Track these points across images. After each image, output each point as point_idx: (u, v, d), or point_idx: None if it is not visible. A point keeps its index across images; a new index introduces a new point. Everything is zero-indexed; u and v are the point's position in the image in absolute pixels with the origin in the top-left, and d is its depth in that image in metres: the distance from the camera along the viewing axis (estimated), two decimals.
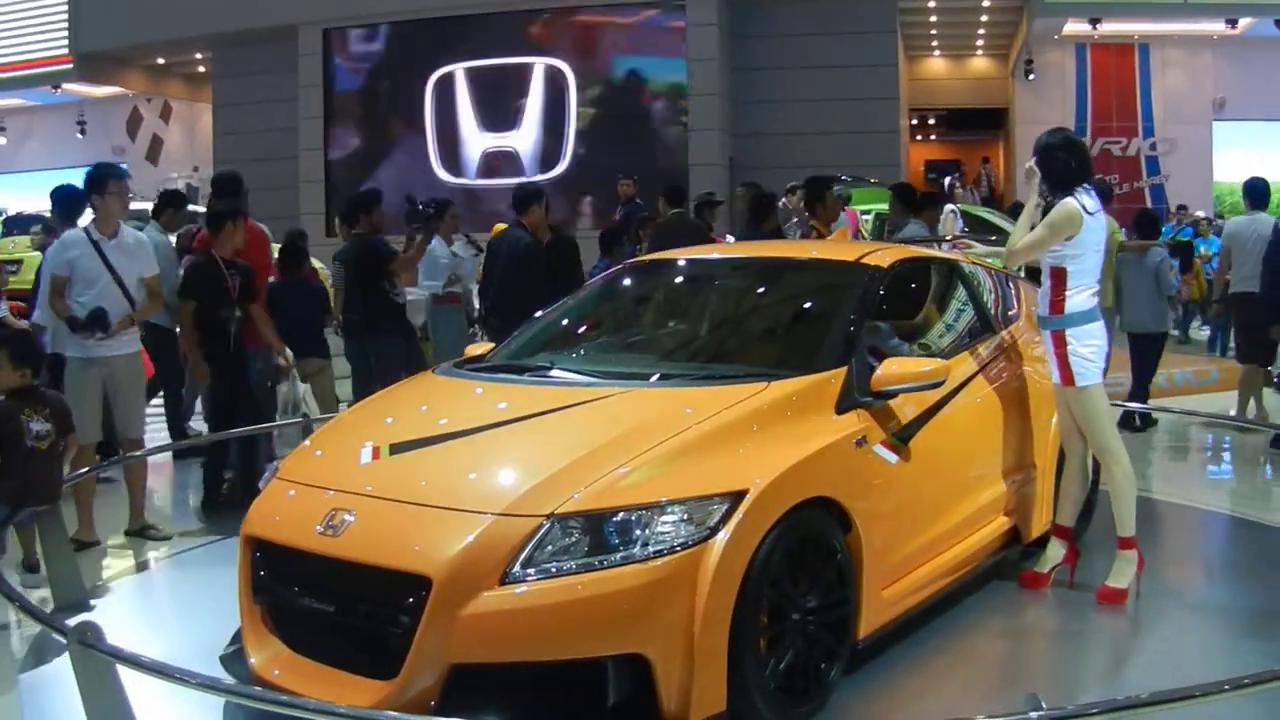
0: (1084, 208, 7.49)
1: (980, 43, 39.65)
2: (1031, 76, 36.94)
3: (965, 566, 7.45)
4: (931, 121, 43.08)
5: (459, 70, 32.41)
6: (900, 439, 6.68)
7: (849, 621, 6.14)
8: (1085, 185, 7.62)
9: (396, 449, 6.07)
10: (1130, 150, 37.12)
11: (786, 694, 5.67)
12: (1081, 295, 7.56)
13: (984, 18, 36.51)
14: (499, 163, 31.59)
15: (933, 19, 36.35)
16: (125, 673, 5.27)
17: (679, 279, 8.54)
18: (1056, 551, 7.92)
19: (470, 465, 5.84)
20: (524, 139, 31.98)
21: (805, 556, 5.79)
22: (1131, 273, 13.82)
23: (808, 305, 7.69)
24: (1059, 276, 7.57)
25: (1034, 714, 4.29)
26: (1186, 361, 18.53)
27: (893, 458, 6.58)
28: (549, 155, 31.60)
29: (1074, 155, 7.70)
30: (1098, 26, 34.46)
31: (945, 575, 7.20)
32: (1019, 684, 6.10)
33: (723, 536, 5.31)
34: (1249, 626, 7.51)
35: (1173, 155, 36.51)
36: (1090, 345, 7.56)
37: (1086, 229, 7.50)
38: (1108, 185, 16.23)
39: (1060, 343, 7.59)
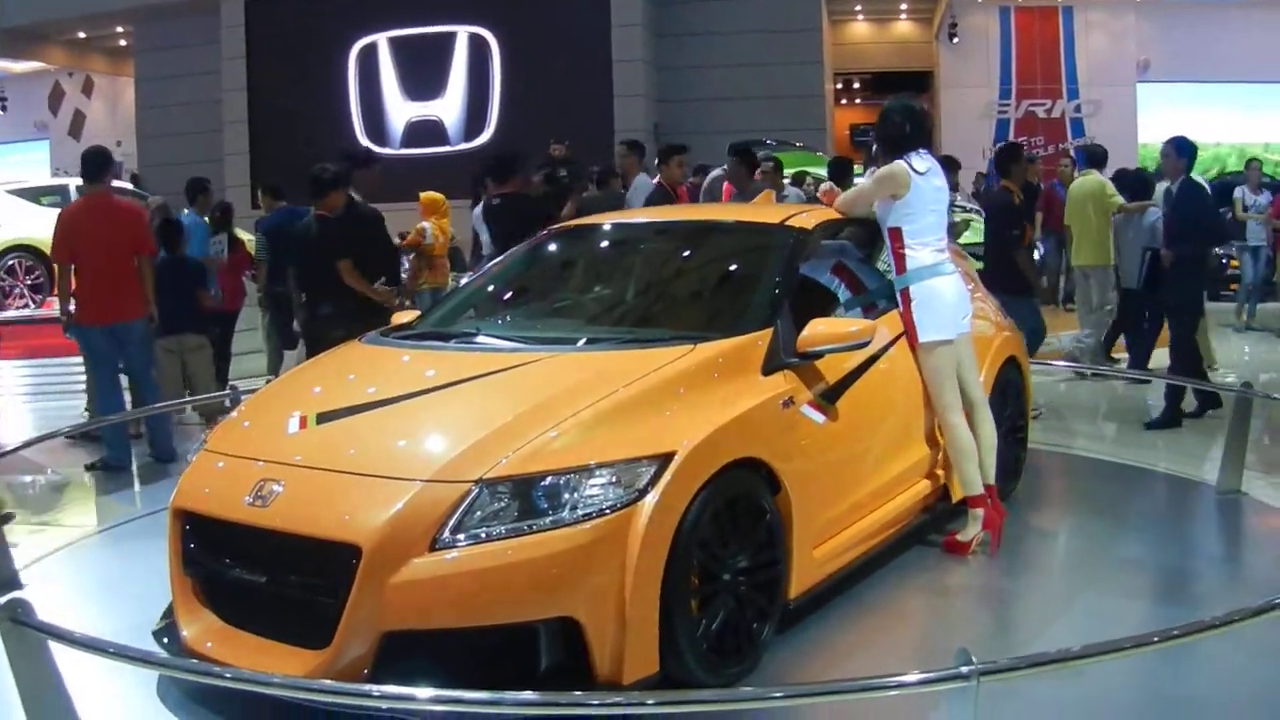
0: (914, 168, 7.65)
1: (904, 6, 39.65)
2: (955, 40, 37.10)
3: (895, 525, 7.50)
4: (856, 85, 43.10)
5: (382, 40, 32.24)
6: (827, 399, 6.73)
7: (780, 581, 6.17)
8: (920, 150, 7.78)
9: (324, 418, 6.05)
10: (1055, 112, 37.31)
11: (719, 654, 5.70)
12: (920, 252, 7.69)
13: None
14: (423, 131, 31.46)
15: None
16: (58, 650, 5.24)
17: (605, 243, 8.55)
18: (976, 516, 7.94)
19: (398, 432, 5.84)
20: (448, 107, 31.87)
21: (734, 517, 5.82)
22: (1130, 232, 14.22)
23: (733, 268, 7.72)
24: (896, 235, 7.74)
25: (965, 669, 4.31)
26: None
27: (820, 418, 6.62)
28: (473, 123, 31.51)
29: (909, 120, 7.87)
30: None
31: (875, 534, 7.25)
32: (951, 640, 6.14)
33: (651, 498, 5.34)
34: (1176, 581, 7.61)
35: (1097, 117, 36.69)
36: (933, 300, 7.68)
37: (916, 189, 7.65)
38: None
39: (906, 300, 7.72)
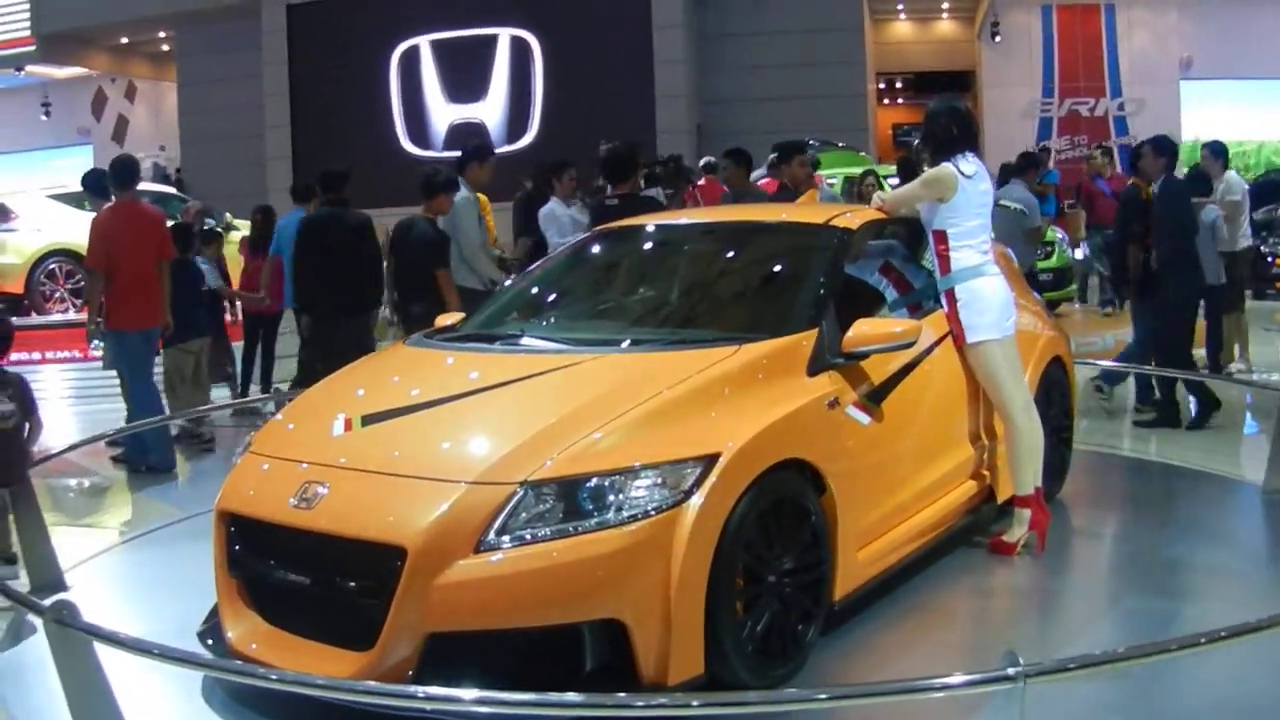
0: (961, 171, 7.61)
1: (946, 5, 39.53)
2: (998, 39, 36.93)
3: (940, 526, 7.45)
4: (899, 85, 43.00)
5: (423, 42, 32.34)
6: (872, 400, 6.70)
7: (825, 583, 6.14)
8: (967, 153, 7.75)
9: (369, 420, 6.06)
10: (1098, 111, 37.09)
11: (764, 656, 5.69)
12: (965, 253, 7.65)
13: None
14: (465, 134, 31.43)
15: None
16: (103, 651, 5.25)
17: (649, 245, 8.50)
18: (1023, 517, 7.90)
19: (443, 435, 5.84)
20: (490, 110, 31.94)
21: (780, 519, 5.80)
22: None
23: (778, 268, 7.68)
24: (941, 238, 7.70)
25: (1012, 670, 4.28)
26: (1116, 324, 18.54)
27: (865, 419, 6.59)
28: (516, 125, 31.57)
29: (955, 122, 7.85)
30: None
31: (920, 535, 7.21)
32: (996, 642, 6.12)
33: (697, 500, 5.32)
34: (1221, 582, 7.54)
35: (1141, 115, 36.43)
36: (980, 300, 7.63)
37: (963, 192, 7.61)
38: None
39: (951, 300, 7.68)
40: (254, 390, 14.77)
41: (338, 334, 12.03)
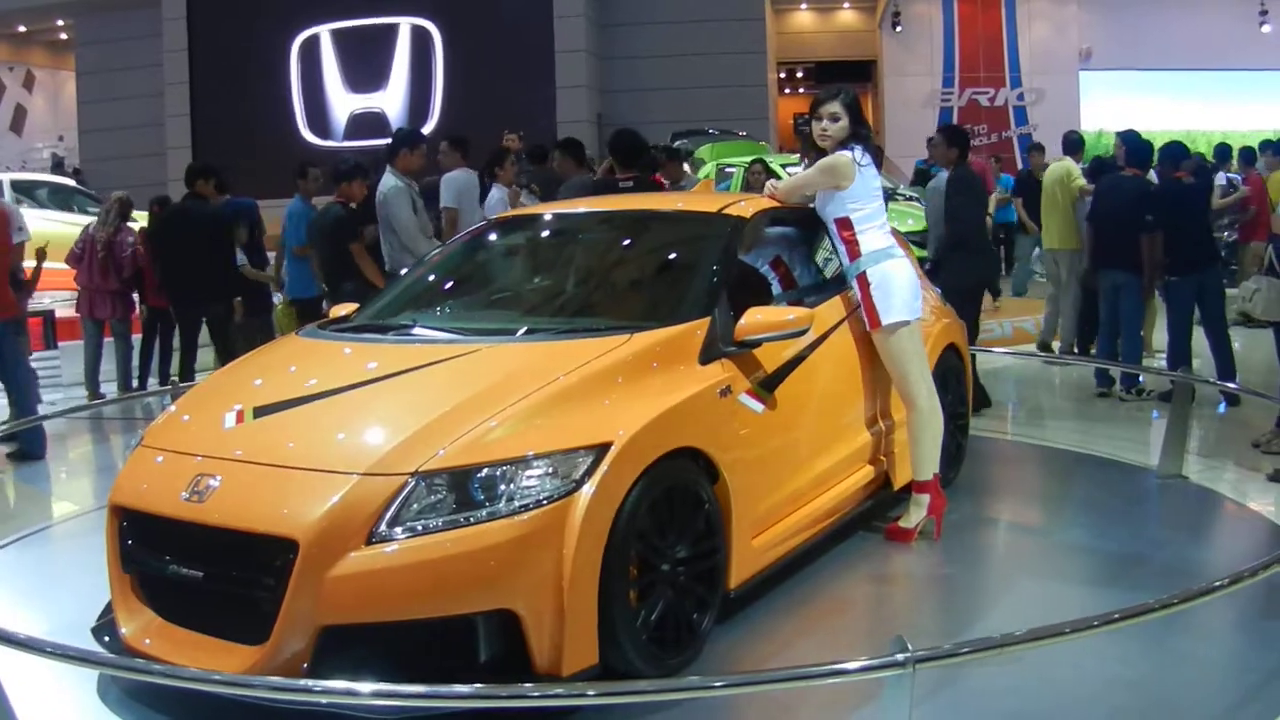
0: (857, 162, 7.69)
1: None
2: (899, 28, 37.23)
3: (835, 513, 7.51)
4: (800, 75, 43.22)
5: (324, 31, 32.22)
6: (765, 387, 6.72)
7: (719, 571, 6.17)
8: (859, 145, 7.81)
9: (261, 411, 6.01)
10: (998, 101, 37.44)
11: (659, 645, 5.70)
12: (871, 236, 7.73)
13: None
14: (366, 123, 31.38)
15: None
16: None
17: (543, 233, 8.49)
18: (921, 502, 7.97)
19: (335, 425, 5.80)
20: (391, 99, 31.88)
21: (672, 507, 5.81)
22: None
23: (671, 257, 7.70)
24: (845, 224, 7.76)
25: (901, 656, 4.32)
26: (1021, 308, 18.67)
27: (758, 406, 6.62)
28: (417, 115, 31.42)
29: (859, 114, 7.95)
30: None
31: (816, 523, 7.25)
32: (893, 627, 6.14)
33: (588, 489, 5.32)
34: (1118, 566, 7.63)
35: (1040, 105, 36.84)
36: (891, 282, 7.68)
37: (860, 180, 7.69)
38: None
39: (864, 284, 7.71)
40: (152, 384, 14.67)
41: (195, 321, 12.35)
